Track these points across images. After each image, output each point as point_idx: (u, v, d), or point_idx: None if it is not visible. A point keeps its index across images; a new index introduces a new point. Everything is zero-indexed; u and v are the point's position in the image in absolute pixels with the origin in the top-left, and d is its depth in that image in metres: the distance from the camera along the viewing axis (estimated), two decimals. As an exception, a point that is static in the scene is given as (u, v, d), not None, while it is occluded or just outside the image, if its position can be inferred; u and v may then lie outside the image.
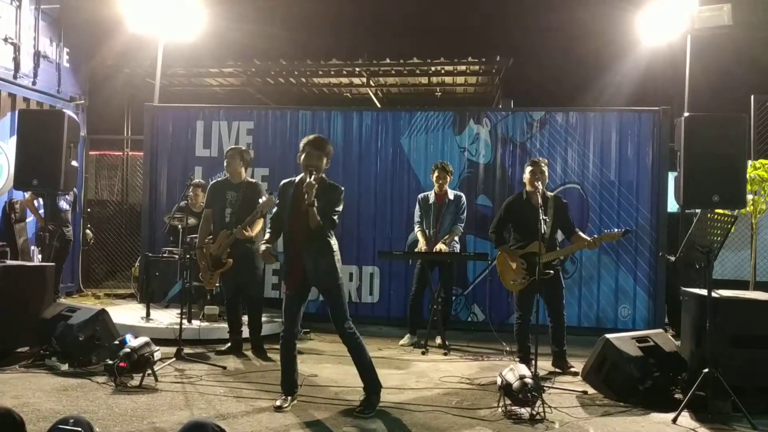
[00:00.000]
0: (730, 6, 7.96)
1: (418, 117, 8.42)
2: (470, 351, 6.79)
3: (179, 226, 7.21)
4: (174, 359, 5.69)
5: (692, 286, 5.73)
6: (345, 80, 12.38)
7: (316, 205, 4.46)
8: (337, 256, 4.68)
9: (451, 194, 7.16)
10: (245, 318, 6.42)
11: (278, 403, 4.58)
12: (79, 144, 8.06)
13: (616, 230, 5.99)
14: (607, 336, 5.22)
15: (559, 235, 6.19)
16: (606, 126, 8.05)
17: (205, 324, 6.92)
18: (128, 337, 5.30)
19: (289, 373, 4.71)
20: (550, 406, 4.54)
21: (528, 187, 5.94)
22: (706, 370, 4.60)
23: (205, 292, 7.36)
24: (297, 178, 4.68)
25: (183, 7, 9.16)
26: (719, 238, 4.80)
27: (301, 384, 4.88)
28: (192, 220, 7.33)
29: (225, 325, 6.54)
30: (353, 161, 8.43)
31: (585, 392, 5.17)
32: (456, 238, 7.14)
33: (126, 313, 7.44)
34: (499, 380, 4.70)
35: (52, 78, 9.60)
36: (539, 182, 5.73)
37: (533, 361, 5.11)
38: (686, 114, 6.43)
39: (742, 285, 7.22)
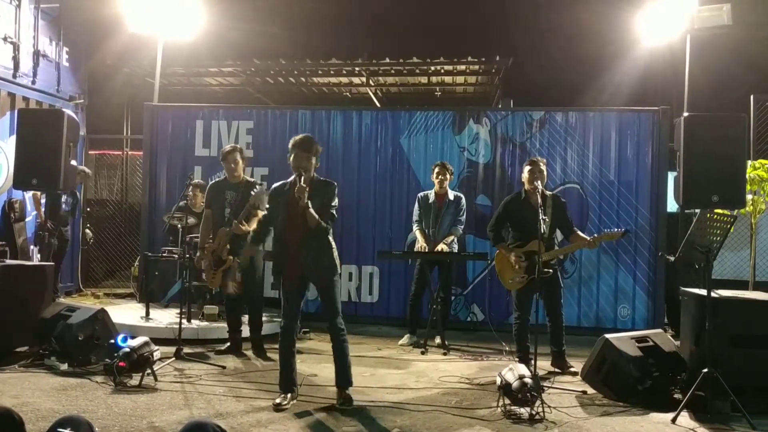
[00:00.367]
0: (730, 6, 7.96)
1: (418, 117, 8.42)
2: (469, 351, 6.79)
3: (179, 226, 7.21)
4: (173, 359, 5.68)
5: (692, 286, 5.73)
6: (345, 80, 12.38)
7: (310, 206, 4.51)
8: (336, 253, 4.76)
9: (451, 194, 7.16)
10: (245, 317, 6.42)
11: (278, 401, 4.58)
12: (79, 143, 8.06)
13: (615, 230, 6.00)
14: (607, 336, 5.22)
15: (558, 236, 6.19)
16: (605, 126, 8.06)
17: (204, 323, 6.92)
18: (120, 337, 5.30)
19: (287, 370, 4.72)
20: (549, 406, 4.54)
21: (527, 186, 5.94)
22: (706, 370, 4.60)
23: (204, 291, 7.37)
24: (288, 181, 4.74)
25: (182, 6, 9.16)
26: (719, 238, 4.81)
27: (300, 383, 4.88)
28: (191, 220, 7.33)
29: (224, 324, 6.54)
30: (353, 161, 8.42)
31: (584, 392, 5.17)
32: (455, 239, 7.13)
33: (125, 312, 7.43)
34: (498, 380, 4.70)
35: (52, 77, 9.59)
36: (538, 181, 5.73)
37: (532, 361, 5.10)
38: (686, 114, 6.43)
39: (742, 285, 7.22)
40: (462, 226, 7.16)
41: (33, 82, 9.15)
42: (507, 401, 4.56)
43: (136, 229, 10.16)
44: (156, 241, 8.50)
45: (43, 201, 8.64)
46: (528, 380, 4.50)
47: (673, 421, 4.47)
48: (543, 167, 5.93)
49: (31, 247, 8.97)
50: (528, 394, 4.44)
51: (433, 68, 11.42)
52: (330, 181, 4.80)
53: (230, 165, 6.27)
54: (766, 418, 4.52)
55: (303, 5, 15.30)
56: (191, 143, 8.75)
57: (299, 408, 4.59)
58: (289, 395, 4.65)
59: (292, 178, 4.69)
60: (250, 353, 6.27)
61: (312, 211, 4.53)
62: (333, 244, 4.77)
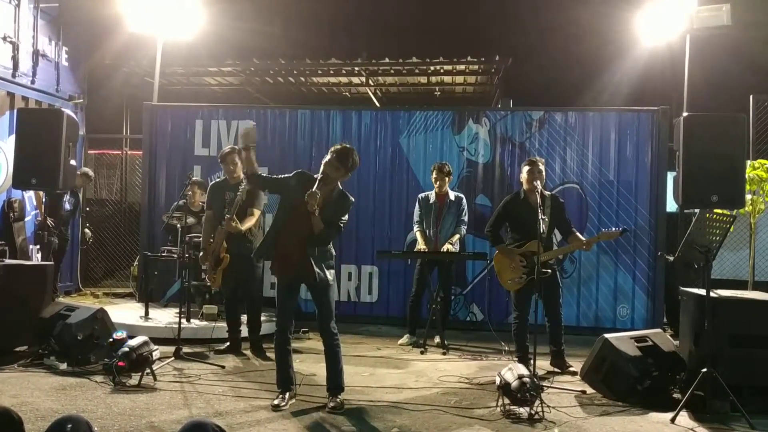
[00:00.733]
0: (729, 6, 7.96)
1: (417, 116, 8.42)
2: (469, 350, 6.80)
3: (178, 225, 7.21)
4: (172, 358, 5.68)
5: (691, 285, 5.73)
6: (344, 79, 12.39)
7: (317, 213, 4.45)
8: (333, 262, 4.74)
9: (452, 195, 7.15)
10: (244, 317, 6.42)
11: (276, 402, 4.58)
12: (78, 143, 8.04)
13: (613, 229, 6.00)
14: (606, 336, 5.22)
15: (557, 236, 6.19)
16: (605, 126, 8.06)
17: (203, 323, 6.91)
18: (118, 334, 5.30)
19: (284, 368, 4.72)
20: (548, 406, 4.54)
21: (526, 187, 5.94)
22: (705, 369, 4.60)
23: (203, 291, 7.37)
24: (316, 177, 4.59)
25: (182, 6, 9.15)
26: (718, 238, 4.81)
27: (300, 383, 4.88)
28: (191, 219, 7.32)
29: (224, 324, 6.54)
30: (358, 162, 8.39)
31: (584, 392, 5.17)
32: (459, 239, 7.13)
33: (125, 312, 7.43)
34: (497, 380, 4.70)
35: (51, 77, 9.58)
36: (537, 182, 5.72)
37: (532, 361, 5.11)
38: (685, 114, 6.43)
39: (741, 285, 7.22)
40: (465, 227, 7.15)
41: (32, 82, 9.14)
42: (506, 401, 4.56)
43: (135, 228, 10.16)
44: (155, 241, 8.50)
45: (44, 200, 8.63)
46: (527, 380, 4.50)
47: (673, 420, 4.47)
48: (542, 167, 5.93)
49: (31, 246, 8.97)
50: (527, 394, 4.44)
51: (432, 68, 11.43)
52: (348, 195, 4.72)
53: (229, 166, 6.28)
54: (765, 418, 4.52)
55: (302, 5, 15.31)
56: (190, 143, 8.74)
57: (298, 408, 4.59)
58: (287, 395, 4.65)
59: (317, 176, 4.58)
60: (249, 353, 6.27)
61: (318, 218, 4.47)
62: (333, 252, 4.75)
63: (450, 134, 8.32)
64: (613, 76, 12.72)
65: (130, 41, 10.13)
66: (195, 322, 6.91)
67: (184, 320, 6.33)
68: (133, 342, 5.13)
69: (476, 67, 11.30)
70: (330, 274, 4.67)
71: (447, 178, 7.10)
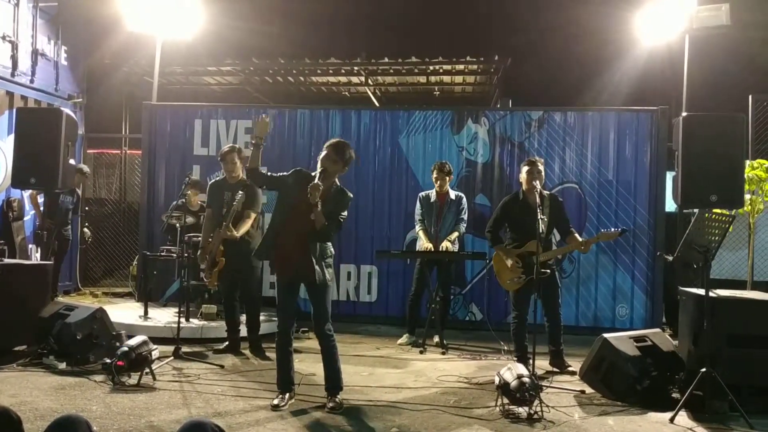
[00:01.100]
0: (728, 6, 7.97)
1: (417, 116, 8.42)
2: (468, 350, 6.80)
3: (177, 225, 7.20)
4: (172, 358, 5.68)
5: (690, 285, 5.74)
6: (343, 79, 12.38)
7: (320, 207, 4.45)
8: (332, 260, 4.74)
9: (452, 194, 7.15)
10: (243, 317, 6.42)
11: (275, 401, 4.58)
12: (77, 142, 8.05)
13: (612, 230, 6.00)
14: (605, 335, 5.22)
15: (557, 235, 6.20)
16: (604, 126, 8.06)
17: (203, 323, 6.91)
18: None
19: (285, 369, 4.71)
20: (547, 406, 4.54)
21: (525, 187, 5.94)
22: (704, 369, 4.60)
23: (203, 290, 7.36)
24: (314, 174, 4.60)
25: (181, 5, 9.14)
26: (717, 238, 4.81)
27: (299, 383, 4.88)
28: (190, 219, 7.32)
29: (223, 323, 6.54)
30: (354, 156, 8.39)
31: (582, 391, 5.17)
32: (458, 237, 7.13)
33: (124, 311, 7.43)
34: (496, 379, 4.70)
35: (50, 76, 9.58)
36: (536, 182, 5.72)
37: (531, 361, 5.11)
38: (684, 114, 6.43)
39: (740, 285, 7.24)
40: (465, 225, 7.15)
41: (31, 81, 9.14)
42: (505, 400, 4.57)
43: (134, 228, 10.15)
44: (154, 241, 8.50)
45: (42, 200, 8.60)
46: (526, 380, 4.50)
47: (671, 420, 4.48)
48: (541, 167, 5.93)
49: (30, 246, 8.96)
50: (526, 394, 4.44)
51: (431, 68, 11.43)
52: (347, 191, 4.73)
53: (228, 165, 6.28)
54: (764, 418, 4.52)
55: (302, 4, 15.31)
56: (190, 142, 8.74)
57: (298, 407, 4.59)
58: (286, 395, 4.65)
59: (314, 172, 4.60)
60: (248, 352, 6.27)
61: (320, 212, 4.46)
62: (332, 251, 4.75)
63: (449, 134, 8.32)
64: (613, 76, 12.73)
65: (129, 40, 10.12)
66: (194, 322, 6.90)
67: (183, 320, 6.33)
68: (133, 341, 5.13)
69: (475, 66, 11.30)
70: (329, 274, 4.68)
71: (447, 178, 7.10)
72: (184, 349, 5.91)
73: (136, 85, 12.44)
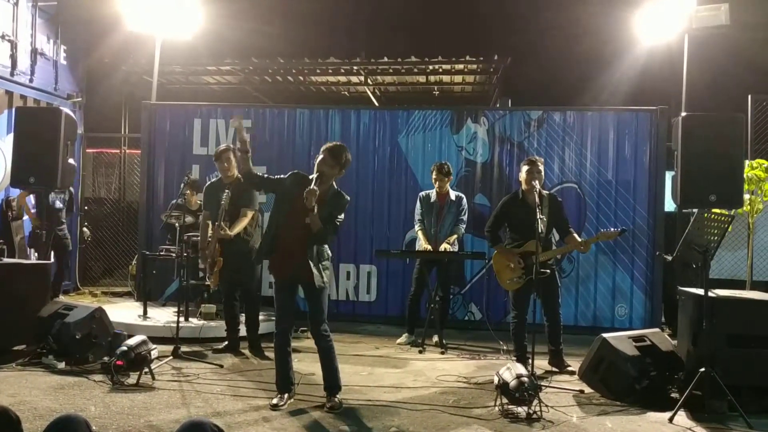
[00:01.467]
0: (728, 6, 7.97)
1: (416, 116, 8.42)
2: (467, 350, 6.80)
3: (176, 225, 7.21)
4: (171, 357, 5.68)
5: (689, 285, 5.74)
6: (343, 79, 12.38)
7: (315, 210, 4.45)
8: (329, 263, 4.77)
9: (452, 194, 7.14)
10: (242, 316, 6.42)
11: (274, 401, 4.58)
12: (77, 142, 8.02)
13: (611, 230, 6.00)
14: (604, 335, 5.23)
15: (556, 235, 6.19)
16: (603, 125, 8.06)
17: (202, 322, 6.91)
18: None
19: (283, 369, 4.71)
20: (546, 405, 4.54)
21: (524, 186, 5.94)
22: (703, 369, 4.60)
23: (202, 290, 7.36)
24: (312, 177, 4.60)
25: (181, 5, 9.14)
26: (716, 238, 4.81)
27: (298, 382, 4.88)
28: (189, 219, 7.32)
29: (222, 323, 6.53)
30: (351, 160, 8.39)
31: (582, 391, 5.17)
32: (457, 239, 7.13)
33: (123, 311, 7.42)
34: (496, 379, 4.70)
35: (50, 75, 9.57)
36: (536, 182, 5.72)
37: (530, 360, 5.12)
38: (684, 113, 6.43)
39: (739, 284, 7.24)
40: (464, 226, 7.14)
41: (30, 80, 9.13)
42: (504, 400, 4.57)
43: (133, 227, 10.15)
44: (154, 240, 8.49)
45: (34, 202, 8.50)
46: (525, 379, 4.50)
47: (671, 420, 4.48)
48: (541, 167, 5.92)
49: (29, 247, 8.94)
50: (525, 394, 4.44)
51: (431, 67, 11.42)
52: (344, 194, 4.72)
53: (223, 164, 6.25)
54: (763, 418, 4.53)
55: (301, 4, 15.31)
56: (189, 142, 8.74)
57: (297, 407, 4.59)
58: (286, 395, 4.65)
59: (313, 176, 4.59)
60: (247, 352, 6.27)
61: (316, 216, 4.47)
62: (329, 253, 4.76)
63: (448, 134, 8.32)
64: (612, 76, 12.73)
65: (128, 40, 10.12)
66: (193, 321, 6.90)
67: (182, 319, 6.32)
68: (132, 341, 5.13)
69: (475, 66, 11.30)
70: (326, 276, 4.69)
71: (447, 178, 7.08)
72: (184, 348, 5.91)
73: (136, 84, 12.43)
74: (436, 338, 6.88)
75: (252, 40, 12.58)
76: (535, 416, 4.40)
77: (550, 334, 5.93)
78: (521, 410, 4.47)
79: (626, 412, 4.70)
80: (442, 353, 6.55)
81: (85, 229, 10.24)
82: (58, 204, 8.49)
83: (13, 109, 8.17)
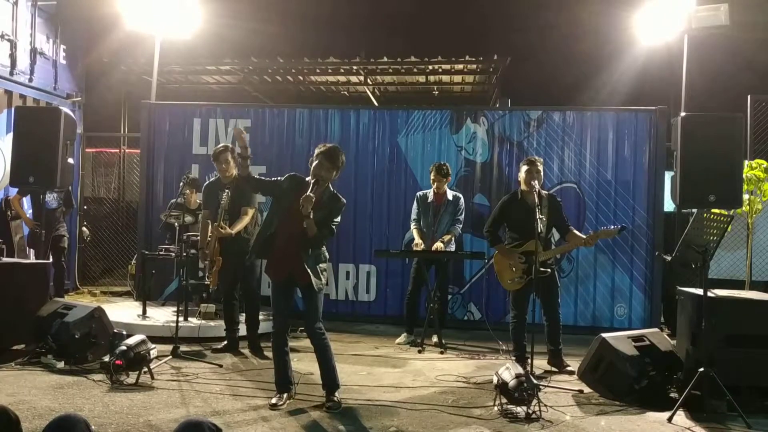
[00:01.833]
0: (727, 6, 7.97)
1: (416, 116, 8.42)
2: (466, 350, 6.80)
3: (175, 224, 7.20)
4: (170, 357, 5.68)
5: (688, 285, 5.74)
6: (342, 78, 12.38)
7: (312, 216, 4.47)
8: (326, 265, 4.77)
9: (449, 194, 7.15)
10: (242, 316, 6.42)
11: (274, 401, 4.58)
12: (76, 141, 8.01)
13: (612, 227, 6.00)
14: (603, 335, 5.23)
15: (556, 235, 6.20)
16: (603, 125, 8.06)
17: (201, 322, 6.91)
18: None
19: (282, 369, 4.72)
20: (545, 405, 4.54)
21: (523, 186, 5.94)
22: (702, 369, 4.60)
23: (201, 289, 7.36)
24: (307, 180, 4.64)
25: (180, 4, 9.14)
26: (715, 238, 4.81)
27: (297, 382, 4.88)
28: (188, 218, 7.32)
29: (221, 322, 6.53)
30: (350, 160, 8.32)
31: (581, 391, 5.17)
32: (453, 239, 7.13)
33: (122, 310, 7.42)
34: (495, 379, 4.70)
35: (49, 75, 9.56)
36: (535, 182, 5.72)
37: (529, 360, 5.12)
38: (683, 114, 6.44)
39: (738, 285, 7.25)
40: (460, 226, 7.15)
41: (30, 80, 9.12)
42: (504, 400, 4.57)
43: (133, 227, 10.14)
44: (153, 239, 8.48)
45: (28, 205, 8.45)
46: (524, 379, 4.50)
47: (669, 420, 4.48)
48: (540, 167, 5.92)
49: (28, 248, 8.93)
50: (524, 393, 4.44)
51: (430, 67, 11.42)
52: (340, 197, 4.73)
53: (221, 165, 6.26)
54: (762, 418, 4.53)
55: (301, 4, 15.33)
56: (189, 141, 8.73)
57: (296, 407, 4.59)
58: (285, 395, 4.65)
59: (309, 180, 4.62)
60: (247, 351, 6.27)
61: (312, 222, 4.48)
62: (326, 255, 4.78)
63: (448, 133, 8.32)
64: (612, 76, 12.74)
65: (128, 39, 10.12)
66: (193, 321, 6.90)
67: (181, 319, 6.32)
68: (131, 340, 5.12)
69: (474, 66, 11.30)
70: (323, 277, 4.69)
71: (445, 179, 7.09)
72: (183, 348, 5.91)
73: (135, 84, 12.43)
74: (435, 338, 6.88)
75: (251, 40, 12.60)
76: (534, 416, 4.40)
77: (550, 333, 5.93)
78: (520, 410, 4.47)
79: (625, 412, 4.70)
80: (442, 353, 6.55)
81: (84, 228, 10.23)
82: (53, 204, 8.34)
83: (13, 109, 8.16)
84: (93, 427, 2.45)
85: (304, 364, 5.68)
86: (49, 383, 4.96)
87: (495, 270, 6.16)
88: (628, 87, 12.51)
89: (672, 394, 5.00)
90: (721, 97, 10.87)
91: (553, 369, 5.88)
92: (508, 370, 4.63)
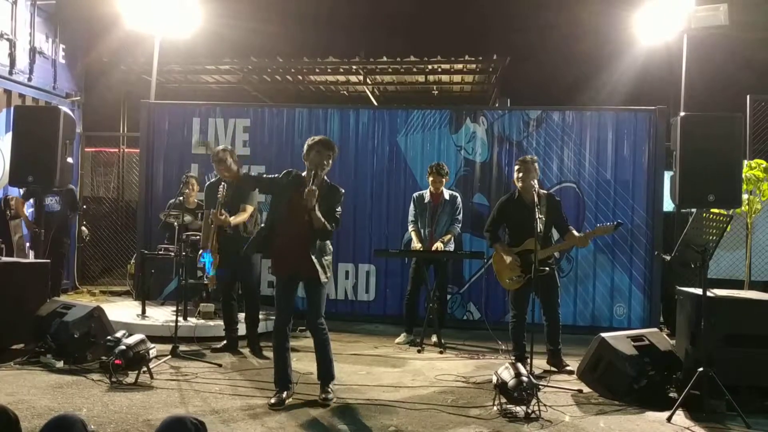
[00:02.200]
0: (727, 6, 7.98)
1: (415, 115, 8.42)
2: (466, 349, 6.80)
3: (175, 224, 7.20)
4: (169, 357, 5.68)
5: (688, 285, 5.74)
6: (342, 78, 12.38)
7: (317, 209, 4.50)
8: (331, 258, 4.81)
9: (446, 194, 7.14)
10: (241, 316, 6.42)
11: (273, 400, 4.58)
12: (75, 141, 8.01)
13: (607, 224, 6.00)
14: (603, 335, 5.23)
15: (555, 235, 6.20)
16: (602, 125, 8.06)
17: (200, 321, 6.91)
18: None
19: (282, 367, 4.72)
20: (545, 405, 4.54)
21: (518, 185, 5.96)
22: (701, 369, 4.61)
23: (200, 289, 7.36)
24: (303, 173, 4.68)
25: (180, 4, 9.14)
26: (715, 238, 4.81)
27: (297, 381, 4.88)
28: (188, 217, 7.31)
29: (221, 322, 6.53)
30: (350, 159, 8.41)
31: (580, 391, 5.17)
32: (452, 239, 7.13)
33: (121, 310, 7.42)
34: (494, 378, 4.70)
35: (48, 74, 9.56)
36: (528, 180, 5.74)
37: (528, 360, 5.12)
38: (682, 113, 6.45)
39: (737, 284, 7.25)
40: (459, 225, 7.16)
41: (29, 79, 9.11)
42: (503, 400, 4.57)
43: (132, 226, 10.14)
44: (152, 239, 8.48)
45: (30, 205, 8.44)
46: (524, 379, 4.50)
47: (669, 419, 4.48)
48: (531, 165, 5.89)
49: (28, 244, 8.93)
50: (524, 393, 4.44)
51: (430, 67, 11.42)
52: (338, 186, 4.78)
53: (221, 166, 6.26)
54: (762, 417, 4.54)
55: (300, 3, 15.33)
56: (188, 141, 8.73)
57: (295, 406, 4.59)
58: (284, 393, 4.65)
59: (304, 173, 4.67)
60: (246, 351, 6.27)
61: (318, 213, 4.52)
62: (331, 248, 4.81)
63: (447, 133, 8.32)
64: (611, 76, 12.75)
65: (127, 39, 10.12)
66: (192, 321, 6.90)
67: (181, 318, 6.33)
68: (130, 340, 5.12)
69: (474, 66, 11.30)
70: (328, 271, 4.74)
71: (443, 180, 7.09)
72: (182, 347, 5.91)
73: (135, 83, 12.43)
74: (434, 338, 6.88)
75: (251, 40, 12.60)
76: (533, 416, 4.40)
77: (549, 333, 5.93)
78: (519, 410, 4.47)
79: (624, 412, 4.70)
80: (441, 353, 6.55)
81: (83, 228, 10.22)
82: (55, 207, 8.29)
83: (12, 108, 8.15)
84: (91, 427, 2.45)
85: (303, 363, 5.68)
86: (48, 383, 4.96)
87: (494, 269, 6.16)
88: (628, 87, 12.52)
89: (671, 394, 5.00)
90: (721, 97, 10.87)
91: (553, 369, 5.88)
92: (507, 370, 4.63)
